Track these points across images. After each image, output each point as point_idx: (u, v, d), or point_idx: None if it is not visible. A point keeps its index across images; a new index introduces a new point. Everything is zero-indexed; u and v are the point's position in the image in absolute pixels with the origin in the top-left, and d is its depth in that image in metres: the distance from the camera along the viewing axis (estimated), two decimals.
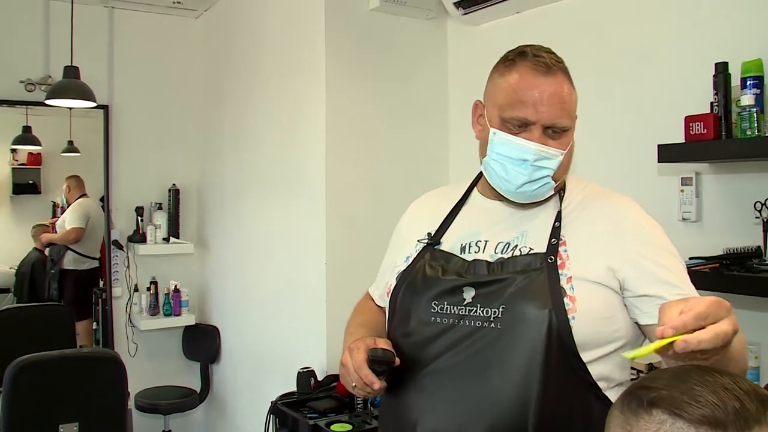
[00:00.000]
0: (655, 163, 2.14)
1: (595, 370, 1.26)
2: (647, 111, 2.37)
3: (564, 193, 1.39)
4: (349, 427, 2.49)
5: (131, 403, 3.48)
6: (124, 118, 4.11)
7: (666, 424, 0.80)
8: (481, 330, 1.27)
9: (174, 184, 4.21)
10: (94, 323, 4.18)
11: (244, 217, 3.77)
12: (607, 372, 1.29)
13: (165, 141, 4.24)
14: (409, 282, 1.39)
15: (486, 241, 1.38)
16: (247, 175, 3.73)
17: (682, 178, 2.22)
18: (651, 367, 2.27)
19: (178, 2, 3.94)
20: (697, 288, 1.96)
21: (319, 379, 2.84)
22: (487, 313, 1.27)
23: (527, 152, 1.29)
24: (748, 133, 1.86)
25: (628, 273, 1.28)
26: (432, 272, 1.37)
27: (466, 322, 1.29)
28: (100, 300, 4.14)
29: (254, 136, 3.63)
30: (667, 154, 2.04)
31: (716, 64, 1.96)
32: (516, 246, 1.34)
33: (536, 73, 1.31)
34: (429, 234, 1.46)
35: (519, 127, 1.31)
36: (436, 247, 1.43)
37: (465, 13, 2.93)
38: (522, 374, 1.22)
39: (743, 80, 1.90)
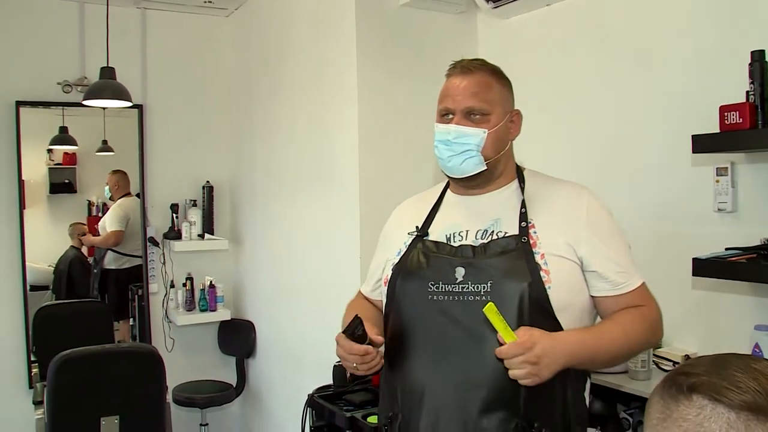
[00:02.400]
0: (690, 154, 2.13)
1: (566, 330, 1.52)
2: (681, 101, 2.35)
3: (524, 184, 1.65)
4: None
5: (169, 397, 3.53)
6: (158, 117, 4.17)
7: (706, 410, 0.81)
8: (473, 303, 1.50)
9: (208, 181, 4.26)
10: (131, 319, 4.25)
11: (277, 212, 3.81)
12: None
13: (198, 139, 4.30)
14: (405, 270, 1.62)
15: (467, 230, 1.62)
16: (279, 171, 3.76)
17: (717, 168, 2.20)
18: (687, 357, 2.26)
19: (209, 1, 3.98)
20: (734, 279, 1.98)
21: None
22: (477, 288, 1.51)
23: (447, 133, 1.60)
24: None
25: (583, 250, 1.54)
26: (425, 258, 1.60)
27: (461, 297, 1.52)
28: (136, 296, 4.22)
29: (286, 132, 3.66)
30: (702, 144, 2.02)
31: (752, 52, 1.93)
32: (493, 231, 1.59)
33: (456, 74, 1.64)
34: (417, 227, 1.69)
35: (446, 116, 1.63)
36: (425, 238, 1.66)
37: (495, 7, 2.93)
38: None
39: None
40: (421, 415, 1.53)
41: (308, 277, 3.46)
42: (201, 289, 4.17)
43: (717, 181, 2.20)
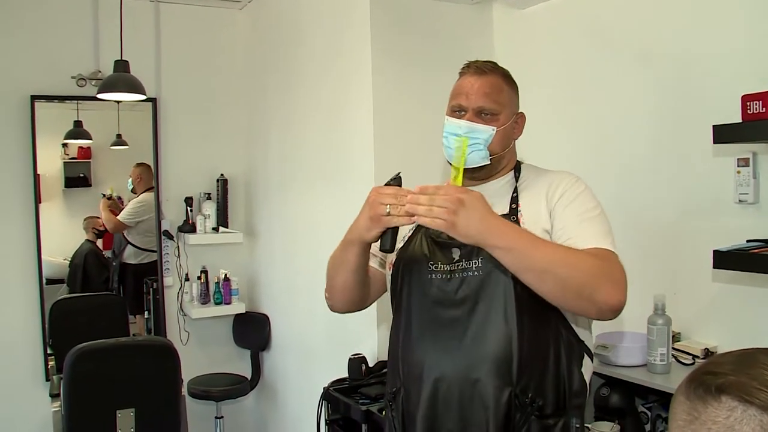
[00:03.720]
0: (710, 144, 2.10)
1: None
2: (702, 90, 2.31)
3: (519, 174, 1.78)
4: None
5: (184, 390, 3.54)
6: (172, 110, 4.16)
7: (737, 411, 0.77)
8: (468, 278, 1.63)
9: (222, 174, 4.26)
10: (146, 312, 4.26)
11: (291, 205, 3.80)
12: None
13: (212, 131, 4.29)
14: (408, 255, 1.74)
15: None
16: (293, 163, 3.75)
17: (738, 159, 2.17)
18: (707, 351, 2.23)
19: None
20: (755, 271, 1.95)
21: (371, 365, 2.85)
22: (470, 264, 1.63)
23: (459, 128, 1.70)
24: None
25: (555, 224, 1.63)
26: (427, 243, 1.72)
27: (456, 274, 1.64)
28: (151, 290, 4.22)
29: (300, 124, 3.64)
30: (723, 134, 1.99)
31: None
32: None
33: (470, 74, 1.75)
34: None
35: (458, 112, 1.73)
36: None
37: None
38: (503, 306, 1.58)
39: None
40: (422, 387, 1.63)
41: (323, 271, 3.44)
42: (216, 283, 4.16)
43: (738, 172, 2.17)
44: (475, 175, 1.75)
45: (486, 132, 1.69)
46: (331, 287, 1.87)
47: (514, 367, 1.56)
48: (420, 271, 1.69)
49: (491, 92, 1.71)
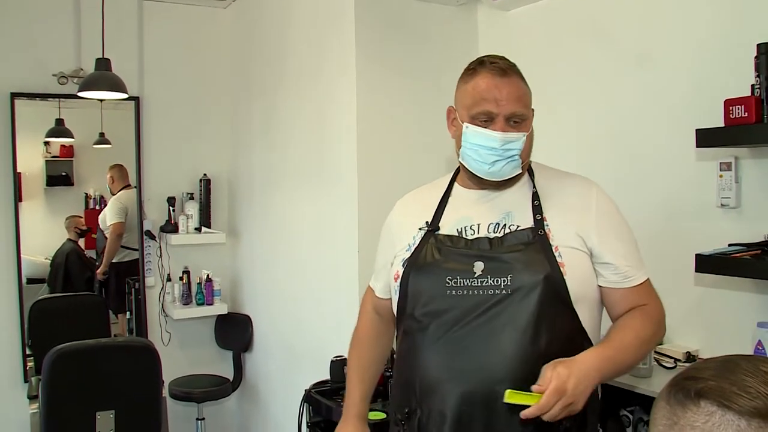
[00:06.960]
0: (693, 148, 2.10)
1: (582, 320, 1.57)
2: (685, 94, 2.31)
3: (533, 177, 1.65)
4: (382, 415, 2.48)
5: (165, 391, 3.51)
6: (155, 110, 4.13)
7: (715, 417, 0.77)
8: (492, 297, 1.51)
9: (205, 174, 4.23)
10: (128, 313, 4.22)
11: (275, 206, 3.78)
12: (588, 320, 1.58)
13: (195, 131, 4.26)
14: (418, 265, 1.61)
15: (478, 224, 1.61)
16: (277, 164, 3.73)
17: (720, 163, 2.17)
18: (689, 355, 2.24)
19: None
20: (737, 275, 1.95)
21: None
22: (497, 282, 1.51)
23: (494, 140, 1.55)
24: None
25: (594, 242, 1.56)
26: (439, 253, 1.59)
27: (478, 291, 1.52)
28: (133, 290, 4.19)
29: (284, 125, 3.63)
30: (707, 138, 1.99)
31: (758, 44, 1.90)
32: (505, 225, 1.59)
33: (494, 75, 1.58)
34: (427, 222, 1.66)
35: (485, 120, 1.57)
36: (436, 232, 1.64)
37: None
38: (532, 328, 1.48)
39: None
40: (445, 410, 1.52)
41: (306, 271, 3.44)
42: (198, 283, 4.14)
43: (720, 176, 2.17)
44: (499, 186, 1.63)
45: (520, 140, 1.56)
46: None
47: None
48: (436, 285, 1.56)
49: (521, 95, 1.58)
